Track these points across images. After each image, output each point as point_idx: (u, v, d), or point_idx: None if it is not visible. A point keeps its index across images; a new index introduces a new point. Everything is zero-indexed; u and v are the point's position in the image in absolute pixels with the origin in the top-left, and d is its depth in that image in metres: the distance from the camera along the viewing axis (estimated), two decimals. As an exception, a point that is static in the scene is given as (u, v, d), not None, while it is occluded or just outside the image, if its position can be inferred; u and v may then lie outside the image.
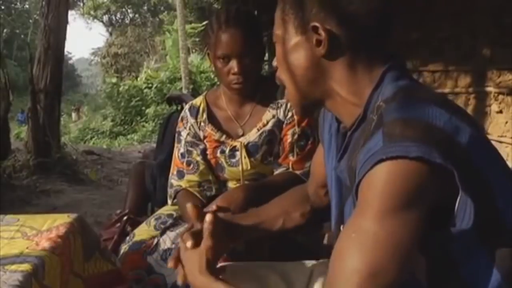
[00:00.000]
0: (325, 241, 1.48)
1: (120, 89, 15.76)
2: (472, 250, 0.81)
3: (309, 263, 1.26)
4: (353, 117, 0.92)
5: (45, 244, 1.24)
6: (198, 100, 1.81)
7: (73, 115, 21.45)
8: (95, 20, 28.86)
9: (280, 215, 1.25)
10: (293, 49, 0.94)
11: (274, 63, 1.02)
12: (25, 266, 1.11)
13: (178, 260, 1.08)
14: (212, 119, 1.75)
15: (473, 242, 0.80)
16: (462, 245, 0.80)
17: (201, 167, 1.72)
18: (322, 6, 0.89)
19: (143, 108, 15.08)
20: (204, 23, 14.60)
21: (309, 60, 0.92)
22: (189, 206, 1.13)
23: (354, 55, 0.90)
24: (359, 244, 0.76)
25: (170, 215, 1.75)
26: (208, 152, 1.74)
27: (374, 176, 0.77)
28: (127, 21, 28.32)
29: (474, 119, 0.88)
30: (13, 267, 1.11)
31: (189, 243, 1.05)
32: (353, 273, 0.75)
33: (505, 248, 0.81)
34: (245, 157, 1.69)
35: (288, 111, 1.70)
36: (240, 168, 1.70)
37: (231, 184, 1.74)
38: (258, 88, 1.71)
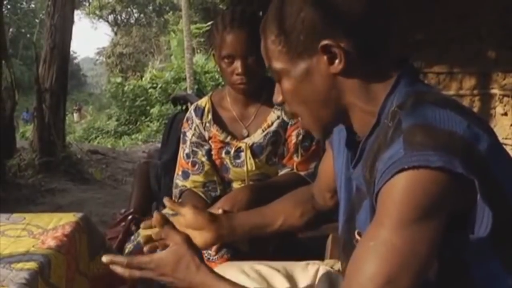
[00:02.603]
0: (328, 243, 1.48)
1: (125, 88, 15.78)
2: (485, 255, 0.81)
3: (314, 263, 1.26)
4: (369, 126, 0.90)
5: (51, 242, 1.25)
6: (203, 101, 1.81)
7: (75, 115, 21.17)
8: (101, 20, 28.95)
9: (280, 214, 1.27)
10: (303, 77, 0.90)
11: (278, 99, 0.97)
12: (32, 264, 1.11)
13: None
14: (217, 120, 1.76)
15: (487, 248, 0.80)
16: (476, 250, 0.80)
17: (206, 167, 1.73)
18: (326, 22, 0.86)
19: (148, 108, 15.09)
20: (209, 23, 14.63)
21: (325, 81, 0.89)
22: (155, 215, 1.09)
23: (366, 63, 0.88)
24: (377, 253, 0.76)
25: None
26: (213, 152, 1.74)
27: (394, 185, 0.76)
28: (132, 21, 28.39)
29: (488, 125, 0.87)
30: (20, 265, 1.11)
31: (145, 248, 1.09)
32: (370, 282, 0.76)
33: None
34: (250, 158, 1.69)
35: (293, 112, 1.70)
36: (245, 168, 1.70)
37: (235, 185, 1.74)
38: (263, 89, 1.72)
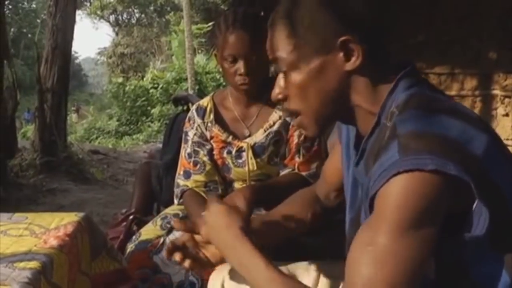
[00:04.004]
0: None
1: (126, 89, 15.78)
2: (483, 254, 0.82)
3: (316, 264, 1.26)
4: (371, 126, 0.91)
5: (53, 242, 1.25)
6: (205, 101, 1.82)
7: (74, 116, 20.99)
8: (102, 20, 28.94)
9: (293, 217, 1.25)
10: (316, 73, 0.89)
11: (278, 95, 0.96)
12: (34, 264, 1.11)
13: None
14: (219, 120, 1.76)
15: (485, 247, 0.81)
16: (474, 249, 0.81)
17: (208, 167, 1.73)
18: (345, 19, 0.87)
19: (149, 108, 15.10)
20: (210, 23, 14.63)
21: (338, 78, 0.89)
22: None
23: (375, 63, 0.89)
24: (375, 258, 0.77)
25: (176, 215, 1.77)
26: (214, 152, 1.75)
27: (390, 190, 0.77)
28: (133, 21, 28.37)
29: (488, 125, 0.87)
30: (22, 264, 1.11)
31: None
32: (369, 286, 0.76)
33: None
34: (251, 158, 1.70)
35: (295, 112, 1.71)
36: (246, 168, 1.71)
37: (237, 185, 1.75)
38: (265, 89, 1.71)
